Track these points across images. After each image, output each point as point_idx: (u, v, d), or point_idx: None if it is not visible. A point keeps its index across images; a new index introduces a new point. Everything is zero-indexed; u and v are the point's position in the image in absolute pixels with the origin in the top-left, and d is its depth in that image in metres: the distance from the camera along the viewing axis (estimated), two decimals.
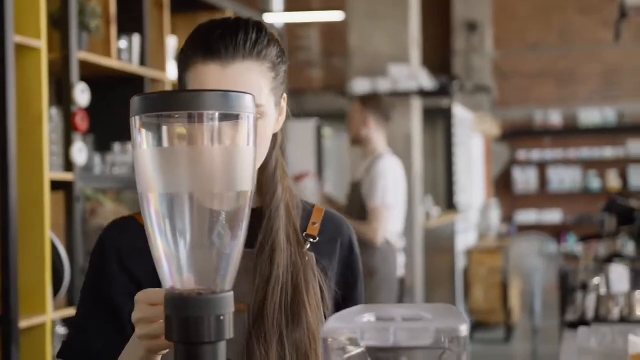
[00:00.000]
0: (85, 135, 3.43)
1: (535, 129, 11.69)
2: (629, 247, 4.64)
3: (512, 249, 7.53)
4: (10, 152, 2.91)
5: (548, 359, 6.50)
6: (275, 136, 1.44)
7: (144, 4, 3.87)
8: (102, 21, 3.54)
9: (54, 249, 3.15)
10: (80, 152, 3.31)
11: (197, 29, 1.39)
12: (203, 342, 1.01)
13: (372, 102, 4.57)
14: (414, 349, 0.95)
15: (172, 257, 1.03)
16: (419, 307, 1.02)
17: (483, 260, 8.30)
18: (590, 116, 11.50)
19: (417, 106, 6.78)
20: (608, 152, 11.44)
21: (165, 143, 1.03)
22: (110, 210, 3.59)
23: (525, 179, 11.72)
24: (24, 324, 2.96)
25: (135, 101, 1.03)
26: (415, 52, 6.74)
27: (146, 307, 1.14)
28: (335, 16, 8.76)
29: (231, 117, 1.03)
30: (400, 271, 4.54)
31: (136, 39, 3.80)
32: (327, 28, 11.05)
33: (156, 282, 1.06)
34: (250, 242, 1.37)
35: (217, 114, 1.01)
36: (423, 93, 6.69)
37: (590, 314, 2.98)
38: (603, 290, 3.21)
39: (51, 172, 3.15)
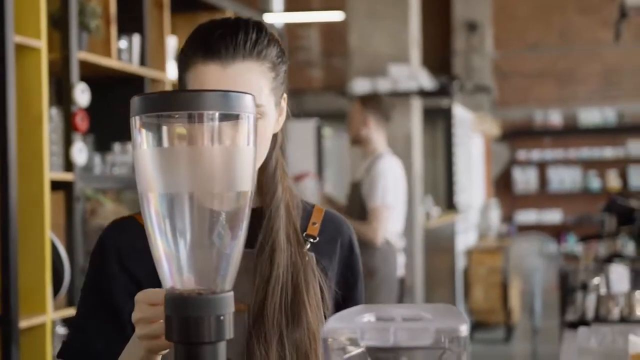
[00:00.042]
0: (85, 135, 3.43)
1: (535, 129, 11.69)
2: (629, 247, 4.64)
3: (512, 249, 7.53)
4: (10, 152, 2.91)
5: (548, 359, 6.50)
6: (275, 136, 1.44)
7: (144, 4, 3.87)
8: (102, 21, 3.54)
9: (54, 249, 3.15)
10: (80, 152, 3.31)
11: (197, 29, 1.39)
12: (203, 342, 1.01)
13: (372, 102, 4.57)
14: (414, 349, 0.95)
15: (172, 257, 1.03)
16: (419, 307, 1.02)
17: (483, 260, 8.30)
18: (590, 116, 11.50)
19: (417, 106, 6.78)
20: (608, 152, 11.44)
21: (165, 143, 1.03)
22: (110, 210, 3.59)
23: (525, 179, 11.72)
24: (24, 323, 2.96)
25: (135, 101, 1.03)
26: (415, 52, 6.74)
27: (146, 307, 1.14)
28: (335, 16, 8.76)
29: (231, 117, 1.03)
30: (400, 271, 4.54)
31: (136, 39, 3.80)
32: (327, 28, 11.05)
33: (156, 282, 1.06)
34: (250, 242, 1.37)
35: (217, 114, 1.01)
36: (423, 93, 6.69)
37: (590, 314, 2.98)
38: (603, 290, 3.21)
39: (51, 172, 3.15)
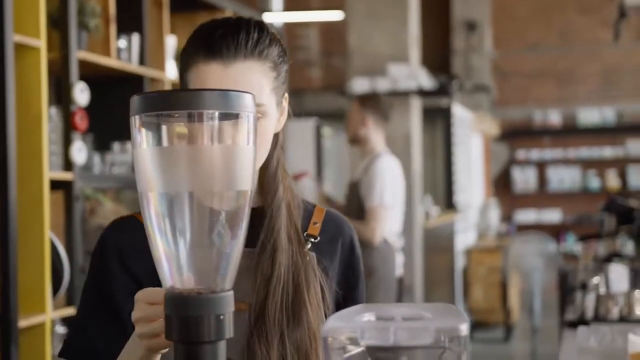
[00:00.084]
0: (85, 134, 3.43)
1: (535, 129, 11.69)
2: (628, 247, 4.63)
3: (512, 249, 7.53)
4: (9, 152, 2.91)
5: (547, 359, 6.50)
6: (276, 136, 1.44)
7: (143, 3, 3.87)
8: (102, 20, 3.54)
9: (54, 249, 3.15)
10: (79, 151, 3.31)
11: (198, 28, 1.39)
12: (203, 342, 1.01)
13: (371, 101, 4.57)
14: (414, 348, 0.95)
15: (171, 257, 1.03)
16: (419, 307, 1.02)
17: (482, 259, 8.30)
18: (590, 116, 11.50)
19: (416, 106, 6.78)
20: (607, 151, 11.44)
21: (165, 142, 1.03)
22: (109, 210, 3.59)
23: (524, 179, 11.73)
24: (23, 323, 2.96)
25: (135, 100, 1.03)
26: (414, 51, 6.74)
27: (145, 306, 1.14)
28: (335, 16, 8.76)
29: (231, 116, 1.03)
30: (399, 271, 4.54)
31: (135, 38, 3.80)
32: (327, 27, 11.05)
33: (157, 282, 1.06)
34: (251, 242, 1.37)
35: (216, 113, 1.01)
36: (422, 92, 6.69)
37: (589, 313, 2.98)
38: (602, 290, 3.21)
39: (50, 172, 3.15)
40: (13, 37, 2.94)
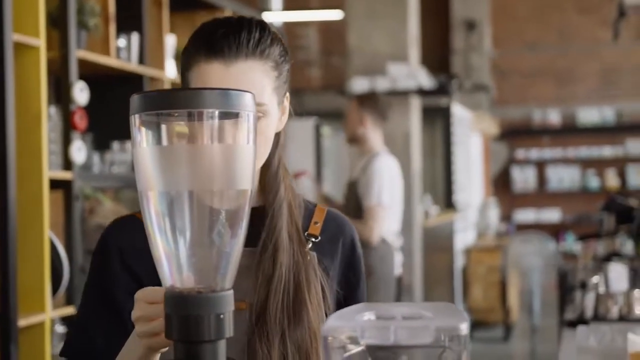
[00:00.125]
0: (84, 133, 3.42)
1: (534, 128, 11.69)
2: (628, 246, 4.63)
3: (511, 248, 7.53)
4: (9, 151, 2.91)
5: (547, 358, 6.50)
6: (277, 135, 1.44)
7: (143, 2, 3.87)
8: (101, 20, 3.54)
9: (53, 248, 3.15)
10: (79, 150, 3.31)
11: (200, 27, 1.39)
12: (203, 341, 1.01)
13: (369, 101, 4.57)
14: (414, 348, 0.95)
15: (171, 256, 1.03)
16: (419, 306, 1.02)
17: (482, 259, 8.30)
18: (589, 115, 11.50)
19: (415, 105, 6.78)
20: (607, 151, 11.44)
21: (165, 141, 1.03)
22: (109, 209, 3.58)
23: (523, 178, 11.72)
24: (22, 322, 2.96)
25: (135, 99, 1.02)
26: (414, 51, 6.74)
27: (145, 306, 1.14)
28: (334, 15, 8.76)
29: (231, 115, 1.03)
30: (398, 270, 4.54)
31: (135, 37, 3.80)
32: (326, 27, 11.04)
33: (158, 281, 1.06)
34: (252, 241, 1.37)
35: (216, 112, 1.01)
36: (422, 92, 6.69)
37: (589, 312, 2.98)
38: (602, 289, 3.21)
39: (50, 171, 3.15)
40: (12, 37, 2.94)
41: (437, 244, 7.54)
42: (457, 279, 8.12)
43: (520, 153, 11.70)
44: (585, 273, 3.85)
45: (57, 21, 3.30)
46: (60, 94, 3.36)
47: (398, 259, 4.55)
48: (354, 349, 0.96)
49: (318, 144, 7.67)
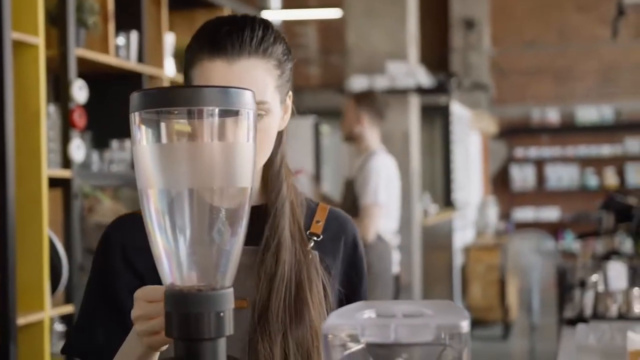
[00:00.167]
0: (83, 132, 3.42)
1: (533, 127, 11.69)
2: (627, 245, 4.63)
3: (510, 246, 7.53)
4: (8, 149, 2.91)
5: (546, 356, 6.50)
6: (280, 134, 1.44)
7: (142, 0, 3.86)
8: (100, 18, 3.54)
9: (52, 246, 3.15)
10: (78, 149, 3.31)
11: (203, 25, 1.39)
12: (203, 339, 1.01)
13: (366, 99, 4.56)
14: (414, 346, 0.95)
15: (171, 254, 1.03)
16: (419, 304, 1.02)
17: (481, 257, 8.30)
18: (588, 114, 11.50)
19: (414, 103, 6.78)
20: (605, 149, 11.44)
21: (165, 139, 1.02)
22: (108, 208, 3.58)
23: (522, 177, 11.73)
24: (21, 321, 2.96)
25: (135, 97, 1.02)
26: (412, 49, 6.74)
27: (145, 304, 1.14)
28: (333, 13, 8.76)
29: (231, 113, 1.03)
30: (395, 268, 4.53)
31: (134, 35, 3.80)
32: (325, 25, 11.04)
33: (159, 279, 1.06)
34: (255, 240, 1.37)
35: (216, 110, 1.01)
36: (421, 90, 6.69)
37: (588, 311, 2.98)
38: (601, 288, 3.21)
39: (49, 169, 3.14)
40: (11, 35, 2.93)
41: (436, 242, 7.54)
42: (456, 277, 8.12)
43: (519, 152, 11.70)
44: (584, 271, 3.85)
45: (56, 19, 3.30)
46: (59, 92, 3.36)
47: (396, 257, 4.55)
48: (354, 347, 0.95)
49: (317, 143, 7.67)
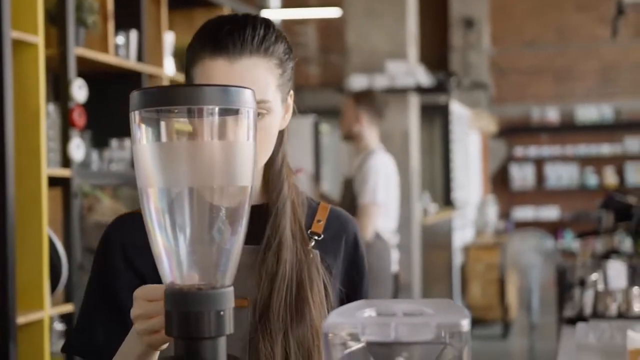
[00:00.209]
0: (83, 131, 3.42)
1: (533, 126, 11.69)
2: (626, 244, 4.63)
3: (510, 246, 7.53)
4: (7, 148, 2.91)
5: (545, 355, 6.50)
6: (281, 133, 1.44)
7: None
8: (100, 17, 3.54)
9: (52, 245, 3.15)
10: (77, 148, 3.31)
11: (205, 24, 1.39)
12: (203, 337, 1.01)
13: (365, 98, 4.55)
14: (414, 344, 0.95)
15: (171, 253, 1.03)
16: (419, 302, 1.02)
17: (480, 256, 8.30)
18: (588, 113, 11.50)
19: (414, 103, 6.78)
20: (605, 148, 11.44)
21: (165, 138, 1.02)
22: (107, 207, 3.58)
23: (522, 176, 11.73)
24: (21, 320, 2.96)
25: (135, 96, 1.02)
26: (412, 48, 6.74)
27: (145, 303, 1.14)
28: (333, 13, 8.76)
29: (231, 111, 1.03)
30: (394, 267, 4.53)
31: (133, 34, 3.79)
32: (324, 24, 11.04)
33: (160, 278, 1.06)
34: (256, 239, 1.37)
35: (216, 109, 1.01)
36: (420, 89, 6.69)
37: (588, 310, 2.98)
38: (601, 287, 3.21)
39: (48, 168, 3.14)
40: (11, 34, 2.93)
41: (436, 241, 7.54)
42: (456, 276, 8.12)
43: (519, 151, 11.70)
44: (584, 270, 3.85)
45: (55, 18, 3.30)
46: (58, 91, 3.36)
47: (395, 256, 4.54)
48: (355, 346, 0.95)
49: (316, 142, 7.67)
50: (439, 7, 11.23)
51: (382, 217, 4.38)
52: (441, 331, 0.94)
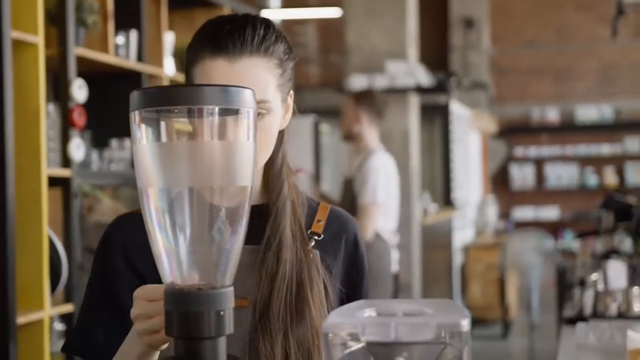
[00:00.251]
0: (83, 131, 3.42)
1: (533, 126, 11.69)
2: (626, 244, 4.63)
3: (509, 246, 7.53)
4: (7, 148, 2.91)
5: (545, 355, 6.50)
6: (281, 133, 1.45)
7: None
8: (100, 17, 3.54)
9: (52, 245, 3.15)
10: (77, 148, 3.31)
11: (205, 24, 1.39)
12: (203, 337, 1.01)
13: (365, 98, 4.55)
14: (414, 344, 0.95)
15: (172, 253, 1.03)
16: (419, 302, 1.02)
17: (480, 256, 8.30)
18: (588, 113, 11.50)
19: (414, 103, 6.78)
20: (605, 148, 11.45)
21: (165, 138, 1.02)
22: (107, 207, 3.58)
23: (522, 176, 11.73)
24: (21, 319, 2.96)
25: (135, 96, 1.02)
26: (412, 48, 6.74)
27: (145, 303, 1.14)
28: (333, 13, 8.76)
29: (231, 111, 1.03)
30: (394, 267, 4.53)
31: (133, 34, 3.79)
32: (324, 24, 11.04)
33: (159, 278, 1.06)
34: (256, 239, 1.37)
35: (216, 109, 1.01)
36: (420, 89, 6.69)
37: (588, 310, 2.98)
38: (601, 287, 3.21)
39: (48, 168, 3.14)
40: (11, 34, 2.93)
41: (436, 241, 7.54)
42: (456, 276, 8.12)
43: (519, 151, 11.70)
44: (584, 270, 3.85)
45: (55, 18, 3.30)
46: (58, 91, 3.36)
47: (395, 256, 4.54)
48: (355, 346, 0.95)
49: (316, 142, 7.67)
50: (439, 7, 11.23)
51: (382, 217, 4.38)
52: (441, 331, 0.94)
